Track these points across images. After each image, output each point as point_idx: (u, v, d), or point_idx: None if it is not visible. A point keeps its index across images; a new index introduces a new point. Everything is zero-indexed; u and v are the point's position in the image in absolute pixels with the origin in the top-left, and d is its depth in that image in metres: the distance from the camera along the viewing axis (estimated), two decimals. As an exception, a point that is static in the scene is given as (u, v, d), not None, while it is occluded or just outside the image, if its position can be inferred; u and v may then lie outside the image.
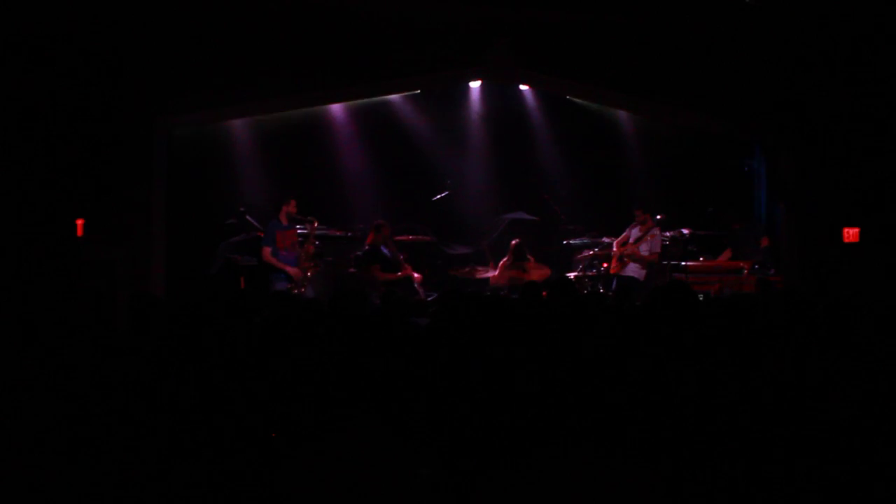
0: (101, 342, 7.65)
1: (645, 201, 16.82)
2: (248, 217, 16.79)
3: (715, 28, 15.69)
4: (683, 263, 16.56)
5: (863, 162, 15.62)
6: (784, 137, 16.49)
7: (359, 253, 16.76)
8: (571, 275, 16.98)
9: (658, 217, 16.55)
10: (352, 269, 16.70)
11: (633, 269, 16.43)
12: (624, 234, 16.90)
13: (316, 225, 16.29)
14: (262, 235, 16.14)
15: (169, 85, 15.04)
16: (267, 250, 15.67)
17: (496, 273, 17.08)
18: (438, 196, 18.66)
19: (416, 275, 16.76)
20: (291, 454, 6.00)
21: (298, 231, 16.21)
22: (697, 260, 17.01)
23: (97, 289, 13.03)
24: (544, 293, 12.08)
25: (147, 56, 14.86)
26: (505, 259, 17.07)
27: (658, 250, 16.47)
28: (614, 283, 16.49)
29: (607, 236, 17.45)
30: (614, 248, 16.90)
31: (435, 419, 6.18)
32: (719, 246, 17.37)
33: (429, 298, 15.74)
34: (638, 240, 16.55)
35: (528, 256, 17.01)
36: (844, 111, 15.69)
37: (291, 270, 15.64)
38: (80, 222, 14.47)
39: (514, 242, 17.12)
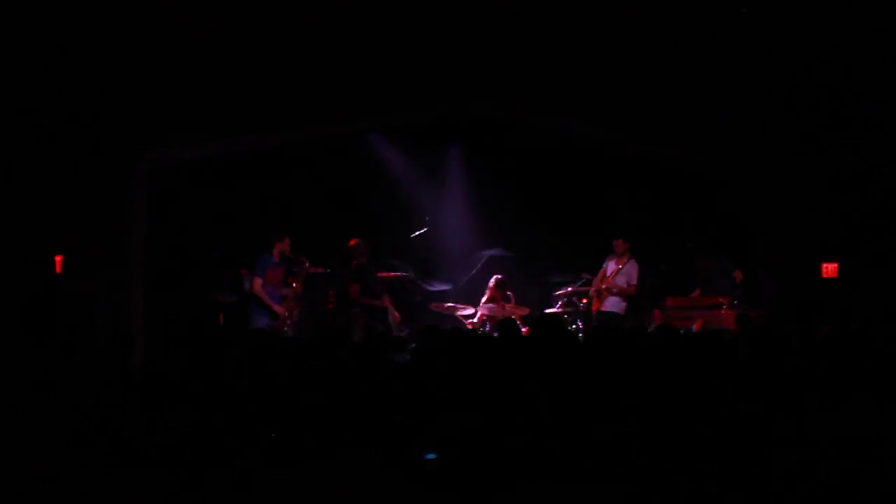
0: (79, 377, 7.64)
1: (625, 232, 16.85)
2: (225, 254, 16.78)
3: (688, 63, 15.73)
4: (662, 300, 16.57)
5: (841, 196, 15.68)
6: (760, 172, 16.54)
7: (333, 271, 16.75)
8: (550, 311, 16.98)
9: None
10: (331, 306, 16.68)
11: (613, 304, 16.43)
12: (602, 270, 16.91)
13: (307, 265, 16.26)
14: (248, 270, 16.09)
15: (149, 120, 15.01)
16: (258, 282, 15.59)
17: (477, 310, 17.09)
18: (417, 233, 18.66)
19: (395, 314, 16.69)
20: (273, 480, 6.01)
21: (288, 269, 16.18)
22: (675, 296, 17.00)
23: (76, 323, 12.99)
24: (525, 330, 12.11)
25: (128, 90, 14.84)
26: (486, 295, 17.07)
27: (635, 282, 16.48)
28: (594, 319, 16.50)
29: (586, 272, 17.44)
30: (593, 287, 16.91)
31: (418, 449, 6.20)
32: (693, 283, 17.38)
33: (404, 333, 15.75)
34: (615, 273, 16.56)
35: (509, 293, 17.01)
36: (822, 145, 15.75)
37: (278, 308, 15.57)
38: (58, 259, 14.43)
39: (494, 280, 17.11)
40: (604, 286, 16.66)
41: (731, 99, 15.96)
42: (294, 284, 15.97)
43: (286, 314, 15.59)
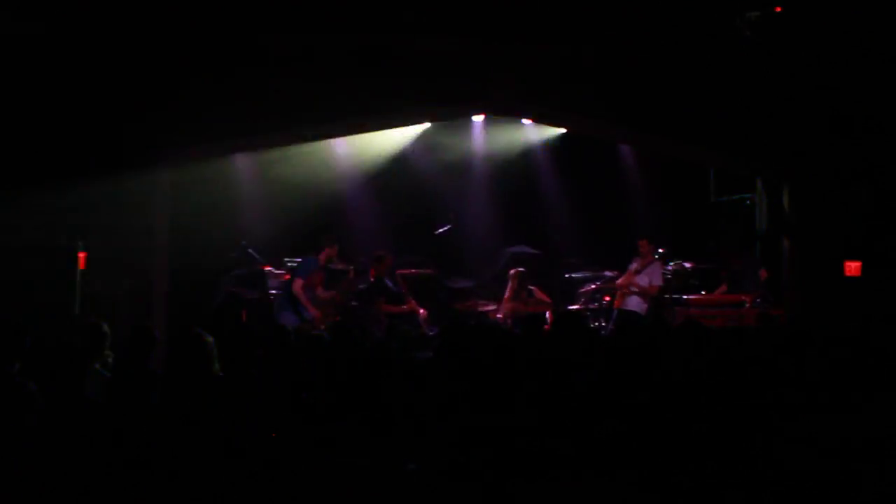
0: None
1: (648, 234, 16.79)
2: (250, 250, 16.82)
3: (716, 62, 15.70)
4: (685, 297, 16.53)
5: (864, 195, 15.62)
6: (785, 171, 16.50)
7: (363, 286, 16.73)
8: (573, 308, 16.97)
9: (660, 250, 16.54)
10: (354, 303, 16.70)
11: (634, 303, 16.39)
12: (628, 270, 16.88)
13: (352, 277, 16.33)
14: (271, 267, 16.16)
15: (172, 119, 15.04)
16: (299, 282, 15.64)
17: (500, 306, 17.09)
18: (441, 230, 18.66)
19: (421, 311, 16.70)
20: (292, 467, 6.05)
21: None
22: (699, 293, 16.96)
23: (99, 321, 13.01)
24: (546, 326, 12.11)
25: (150, 89, 14.89)
26: (508, 291, 17.06)
27: (659, 283, 16.42)
28: (614, 317, 16.48)
29: (609, 270, 17.43)
30: (620, 280, 16.88)
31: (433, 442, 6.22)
32: (718, 280, 17.34)
33: (430, 334, 15.75)
34: (637, 272, 16.53)
35: (530, 288, 17.00)
36: (845, 144, 15.70)
37: (314, 311, 15.58)
38: (82, 255, 14.47)
39: (513, 272, 17.11)
40: (623, 283, 16.62)
41: (756, 97, 15.92)
42: (336, 294, 16.03)
43: (320, 317, 15.57)
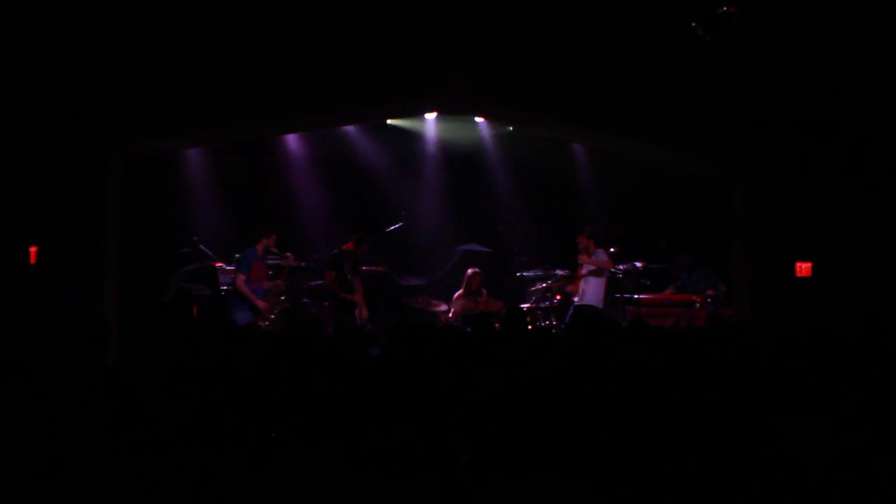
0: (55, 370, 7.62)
1: (583, 228, 16.75)
2: (201, 246, 16.77)
3: (669, 62, 15.77)
4: (636, 297, 16.60)
5: (815, 196, 15.73)
6: (737, 171, 16.60)
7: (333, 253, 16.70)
8: (524, 306, 16.99)
9: (612, 250, 16.57)
10: (305, 300, 16.68)
11: (591, 296, 16.36)
12: (579, 267, 16.89)
13: (292, 260, 16.28)
14: (223, 263, 16.12)
15: (124, 113, 14.97)
16: (241, 278, 15.56)
17: (451, 303, 17.12)
18: (392, 227, 18.65)
19: (364, 310, 16.62)
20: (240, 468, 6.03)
21: (270, 262, 16.17)
22: (651, 293, 17.04)
23: (50, 316, 12.94)
24: (497, 325, 12.12)
25: (102, 84, 14.80)
26: (461, 290, 17.08)
27: (606, 258, 16.37)
28: (569, 312, 16.50)
29: (560, 269, 17.46)
30: (571, 285, 16.88)
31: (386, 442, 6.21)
32: (668, 280, 17.43)
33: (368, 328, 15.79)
34: (583, 263, 16.52)
35: (482, 290, 17.04)
36: (797, 145, 15.81)
37: (260, 303, 15.54)
38: (33, 250, 14.39)
39: (471, 272, 17.13)
40: (580, 274, 16.61)
41: (708, 97, 16.01)
42: (278, 281, 15.98)
43: (268, 309, 15.56)
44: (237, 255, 16.30)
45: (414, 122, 18.93)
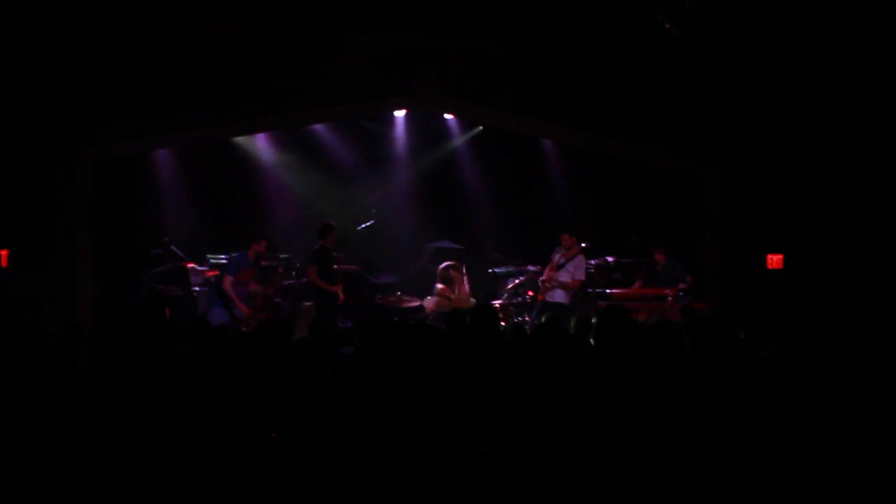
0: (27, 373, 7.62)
1: (572, 227, 16.84)
2: (172, 247, 16.76)
3: (640, 58, 15.80)
4: (608, 291, 16.66)
5: (786, 188, 15.77)
6: (708, 165, 16.64)
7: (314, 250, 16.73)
8: (497, 303, 17.03)
9: (583, 245, 16.61)
10: (278, 299, 16.68)
11: (559, 295, 16.41)
12: (550, 262, 16.91)
13: (281, 271, 16.34)
14: (194, 263, 16.15)
15: (92, 114, 14.91)
16: (229, 279, 15.56)
17: (425, 300, 17.17)
18: (364, 225, 18.66)
19: (341, 295, 16.61)
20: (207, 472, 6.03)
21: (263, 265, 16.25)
22: (621, 287, 17.11)
23: (21, 320, 12.89)
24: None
25: (70, 85, 14.74)
26: (440, 285, 17.13)
27: (581, 277, 16.46)
28: (535, 309, 16.53)
29: (533, 264, 17.50)
30: (544, 275, 16.90)
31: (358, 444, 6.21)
32: (635, 274, 17.52)
33: (345, 326, 15.80)
34: (560, 266, 16.56)
35: (453, 277, 17.05)
36: (768, 139, 15.85)
37: (243, 308, 15.52)
38: (3, 253, 14.34)
39: (442, 266, 17.19)
40: (545, 279, 16.65)
41: (679, 92, 16.04)
42: (267, 288, 16.00)
43: (251, 314, 15.51)
44: (223, 257, 16.41)
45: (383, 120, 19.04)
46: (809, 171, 15.60)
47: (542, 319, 11.68)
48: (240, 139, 18.50)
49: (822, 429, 6.24)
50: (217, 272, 16.75)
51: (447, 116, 18.83)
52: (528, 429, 6.31)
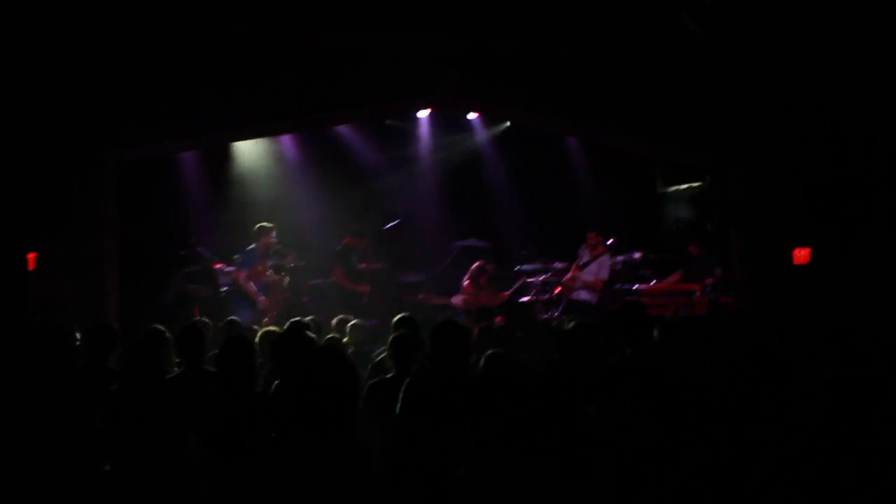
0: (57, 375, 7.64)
1: (598, 225, 16.85)
2: (199, 248, 16.82)
3: (661, 54, 15.76)
4: (635, 287, 16.64)
5: (812, 183, 15.70)
6: (731, 160, 16.58)
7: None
8: (525, 300, 17.04)
9: (609, 242, 16.61)
10: (304, 299, 16.74)
11: (585, 293, 16.43)
12: (576, 259, 16.92)
13: (292, 258, 16.39)
14: (223, 263, 16.23)
15: (118, 117, 14.95)
16: (243, 274, 15.71)
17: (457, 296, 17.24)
18: (390, 224, 18.70)
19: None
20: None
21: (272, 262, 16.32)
22: (650, 283, 17.08)
23: (50, 322, 12.95)
24: (498, 318, 12.15)
25: (96, 88, 14.78)
26: (467, 283, 17.18)
27: (605, 276, 16.47)
28: (561, 306, 16.53)
29: (559, 261, 17.51)
30: (569, 274, 16.91)
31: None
32: (672, 268, 17.45)
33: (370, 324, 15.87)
34: (585, 265, 16.57)
35: (480, 283, 17.08)
36: (792, 134, 15.79)
37: (262, 301, 15.62)
38: (31, 256, 14.39)
39: (475, 266, 17.25)
40: (569, 278, 16.66)
41: (701, 88, 15.99)
42: (283, 275, 16.09)
43: (271, 306, 15.62)
44: (236, 256, 16.43)
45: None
46: (837, 164, 15.55)
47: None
48: (265, 140, 18.54)
49: (850, 428, 6.23)
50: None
51: (471, 115, 18.83)
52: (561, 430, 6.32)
